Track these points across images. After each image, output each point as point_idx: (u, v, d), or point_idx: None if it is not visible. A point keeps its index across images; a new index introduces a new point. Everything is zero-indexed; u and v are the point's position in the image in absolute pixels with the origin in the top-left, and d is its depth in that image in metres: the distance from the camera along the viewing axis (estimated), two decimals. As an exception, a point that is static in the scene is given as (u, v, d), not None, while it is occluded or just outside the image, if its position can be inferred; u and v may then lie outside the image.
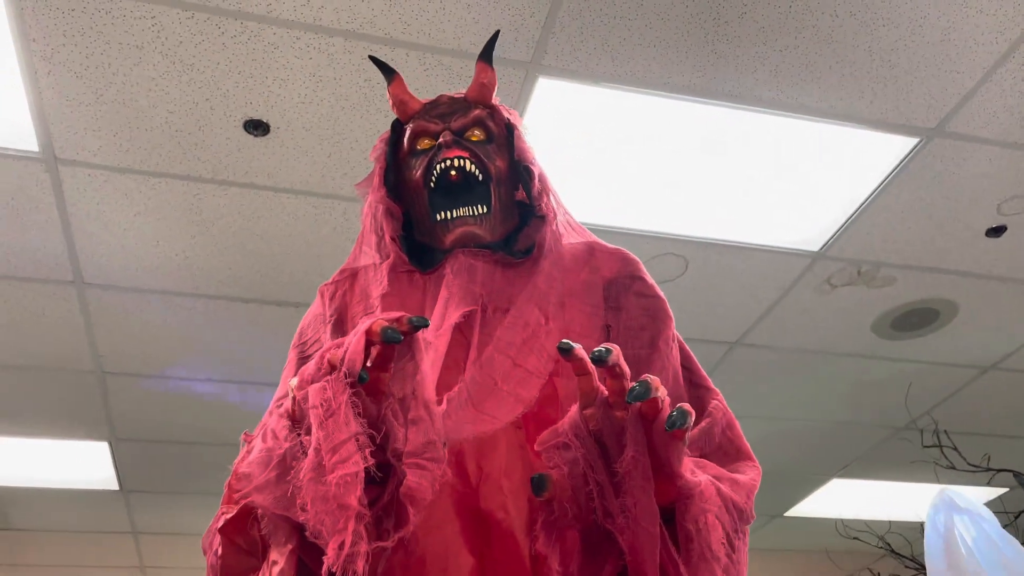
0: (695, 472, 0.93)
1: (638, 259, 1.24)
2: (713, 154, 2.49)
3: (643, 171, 2.53)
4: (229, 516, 0.96)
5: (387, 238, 1.20)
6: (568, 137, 2.40)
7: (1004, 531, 1.63)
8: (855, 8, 2.09)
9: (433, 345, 1.03)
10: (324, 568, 0.80)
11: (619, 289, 1.19)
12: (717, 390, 1.16)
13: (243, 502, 0.93)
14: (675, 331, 1.19)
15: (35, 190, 2.44)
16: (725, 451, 1.09)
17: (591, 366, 0.87)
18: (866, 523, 2.65)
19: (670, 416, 0.85)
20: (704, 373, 1.19)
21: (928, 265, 2.98)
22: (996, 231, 2.85)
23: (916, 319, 3.25)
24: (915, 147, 2.50)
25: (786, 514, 4.81)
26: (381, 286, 1.17)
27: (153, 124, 2.26)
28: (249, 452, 0.99)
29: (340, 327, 1.20)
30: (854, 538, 3.00)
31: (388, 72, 1.30)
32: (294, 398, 0.92)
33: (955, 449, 2.43)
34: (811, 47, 2.19)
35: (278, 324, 3.08)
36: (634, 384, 0.84)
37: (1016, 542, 1.60)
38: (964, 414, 3.87)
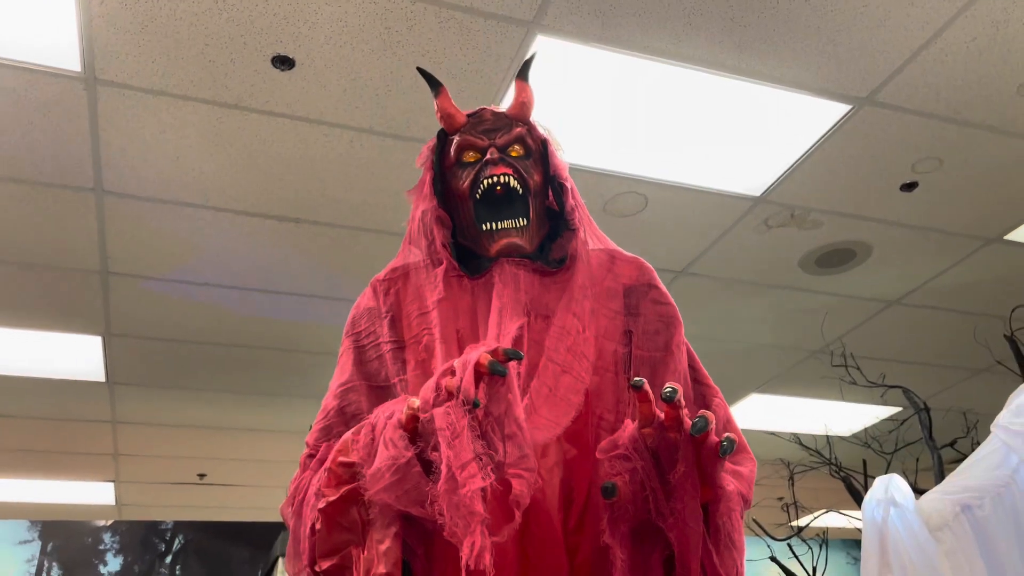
0: (729, 481, 1.12)
1: (652, 267, 1.42)
2: (678, 109, 2.87)
3: (617, 120, 2.89)
4: (333, 499, 1.12)
5: (438, 244, 1.32)
6: (557, 89, 2.74)
7: (919, 513, 1.77)
8: (809, -5, 2.46)
9: None
10: (462, 562, 0.96)
11: (638, 296, 1.35)
12: (717, 388, 1.35)
13: (368, 494, 1.08)
14: (683, 335, 1.36)
15: (71, 104, 2.67)
16: None
17: (652, 395, 1.07)
18: (795, 435, 3.17)
19: (722, 445, 1.04)
20: (706, 371, 1.38)
21: (851, 212, 3.45)
22: (909, 186, 3.32)
23: (836, 258, 3.75)
24: (848, 112, 2.92)
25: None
26: (437, 291, 1.30)
27: (190, 54, 2.51)
28: (351, 444, 1.13)
29: (396, 324, 1.33)
30: (772, 433, 3.54)
31: (435, 85, 1.39)
32: (412, 419, 1.06)
33: (858, 368, 2.93)
34: (770, 24, 2.55)
35: (277, 236, 3.39)
36: (696, 419, 1.03)
37: (923, 522, 1.75)
38: (871, 341, 4.44)
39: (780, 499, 6.28)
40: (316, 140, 2.89)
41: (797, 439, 2.97)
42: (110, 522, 6.12)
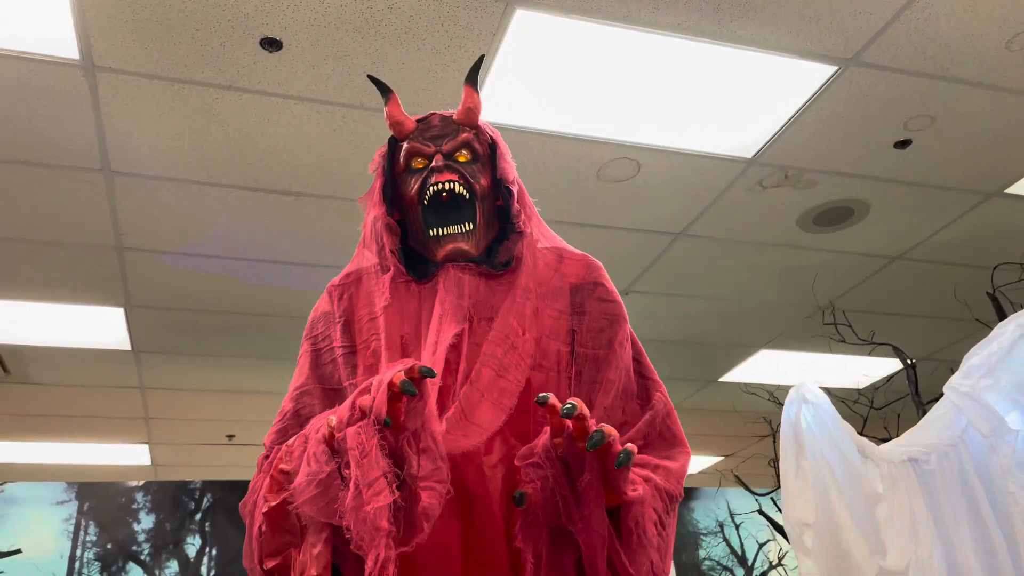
0: (635, 487, 1.17)
1: (600, 264, 1.44)
2: (663, 76, 2.90)
3: (604, 89, 2.94)
4: (274, 504, 1.19)
5: (387, 250, 1.36)
6: (539, 61, 2.78)
7: (837, 417, 1.93)
8: (785, -40, 2.47)
9: (431, 361, 1.21)
10: (365, 573, 1.02)
11: (584, 295, 1.38)
12: (660, 382, 1.38)
13: (292, 506, 1.15)
14: (630, 330, 1.39)
15: (73, 91, 2.78)
16: (663, 437, 1.32)
17: (559, 408, 1.10)
18: (771, 394, 3.23)
19: (618, 458, 1.08)
20: (651, 365, 1.40)
21: (845, 171, 3.46)
22: (903, 144, 3.32)
23: (834, 216, 3.76)
24: (834, 73, 2.93)
25: (721, 379, 5.47)
26: (384, 298, 1.34)
27: (181, 39, 2.60)
28: (288, 454, 1.21)
29: (348, 329, 1.38)
30: (752, 393, 3.61)
31: (385, 92, 1.42)
32: (333, 435, 1.12)
33: (849, 326, 2.97)
34: (748, -11, 2.57)
35: (278, 209, 3.50)
36: (593, 433, 1.08)
37: (842, 425, 1.89)
38: (877, 296, 4.46)
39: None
40: (309, 117, 2.98)
41: (774, 398, 3.04)
42: (142, 483, 6.41)
